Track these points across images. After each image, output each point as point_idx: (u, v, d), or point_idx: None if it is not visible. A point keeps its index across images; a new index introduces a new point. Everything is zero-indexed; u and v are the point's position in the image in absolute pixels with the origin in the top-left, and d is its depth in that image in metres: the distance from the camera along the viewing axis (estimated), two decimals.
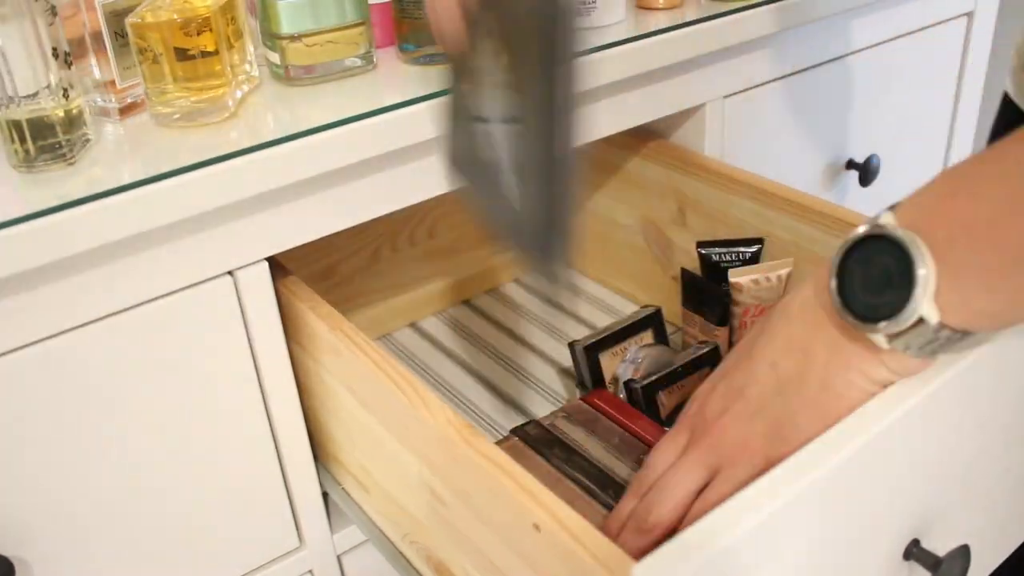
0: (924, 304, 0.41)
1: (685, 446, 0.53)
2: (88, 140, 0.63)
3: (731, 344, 0.82)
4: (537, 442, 0.67)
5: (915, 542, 0.51)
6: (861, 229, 0.43)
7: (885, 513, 0.49)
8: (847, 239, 0.44)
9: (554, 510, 0.46)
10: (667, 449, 0.54)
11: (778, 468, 0.44)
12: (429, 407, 0.55)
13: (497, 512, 0.50)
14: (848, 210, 0.76)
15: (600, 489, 0.62)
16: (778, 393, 0.48)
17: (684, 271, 0.83)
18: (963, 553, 0.51)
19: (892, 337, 0.43)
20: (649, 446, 0.66)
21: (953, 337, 0.42)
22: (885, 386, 0.46)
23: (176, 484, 0.68)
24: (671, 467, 0.52)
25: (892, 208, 0.43)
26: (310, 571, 0.78)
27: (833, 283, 0.44)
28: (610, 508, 0.60)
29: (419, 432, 0.56)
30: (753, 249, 0.79)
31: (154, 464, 0.67)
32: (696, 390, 0.55)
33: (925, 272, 0.41)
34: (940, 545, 0.52)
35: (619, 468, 0.63)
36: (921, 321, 0.41)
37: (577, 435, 0.67)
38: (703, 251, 0.81)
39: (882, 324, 0.42)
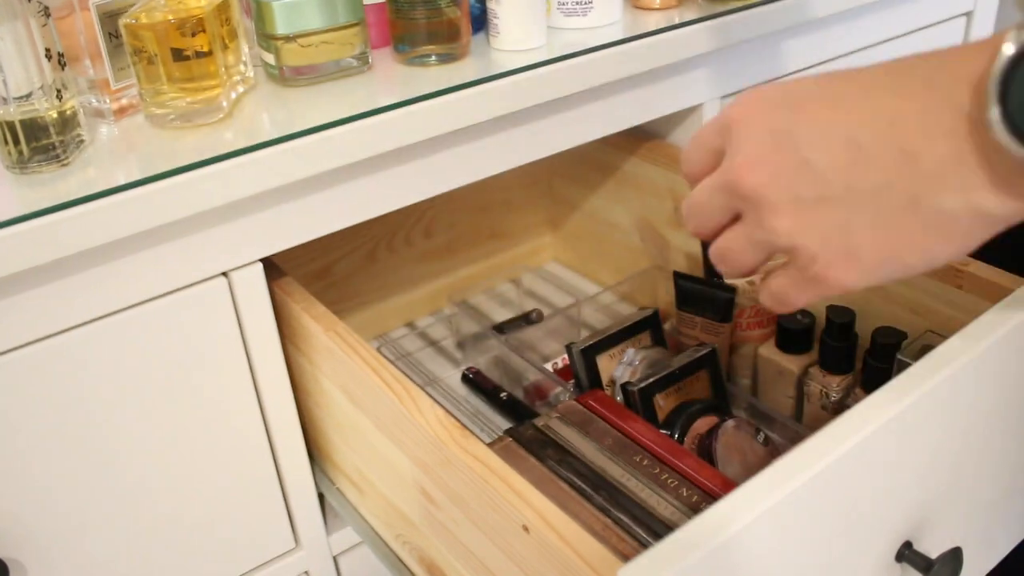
0: None
1: (719, 187, 0.42)
2: (82, 141, 0.63)
3: (731, 345, 0.82)
4: (531, 443, 0.67)
5: (907, 544, 0.51)
6: (1013, 45, 0.33)
7: (877, 515, 0.49)
8: (1004, 56, 0.34)
9: (543, 512, 0.46)
10: (703, 191, 0.43)
11: (770, 469, 0.44)
12: (420, 408, 0.55)
13: (487, 513, 0.50)
14: None
15: (593, 490, 0.62)
16: (851, 188, 0.38)
17: (677, 274, 0.83)
18: (955, 555, 0.50)
19: None
20: (643, 447, 0.66)
21: None
22: (993, 229, 0.37)
23: (172, 485, 0.68)
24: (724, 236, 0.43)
25: None
26: (306, 572, 0.79)
27: (995, 110, 0.34)
28: (603, 509, 0.60)
29: (411, 433, 0.56)
30: None
31: (149, 465, 0.67)
32: (737, 102, 0.43)
33: None
34: (932, 547, 0.52)
35: (612, 469, 0.63)
36: None
37: (571, 436, 0.67)
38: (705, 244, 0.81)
39: None
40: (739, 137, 0.41)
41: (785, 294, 0.43)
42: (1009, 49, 0.34)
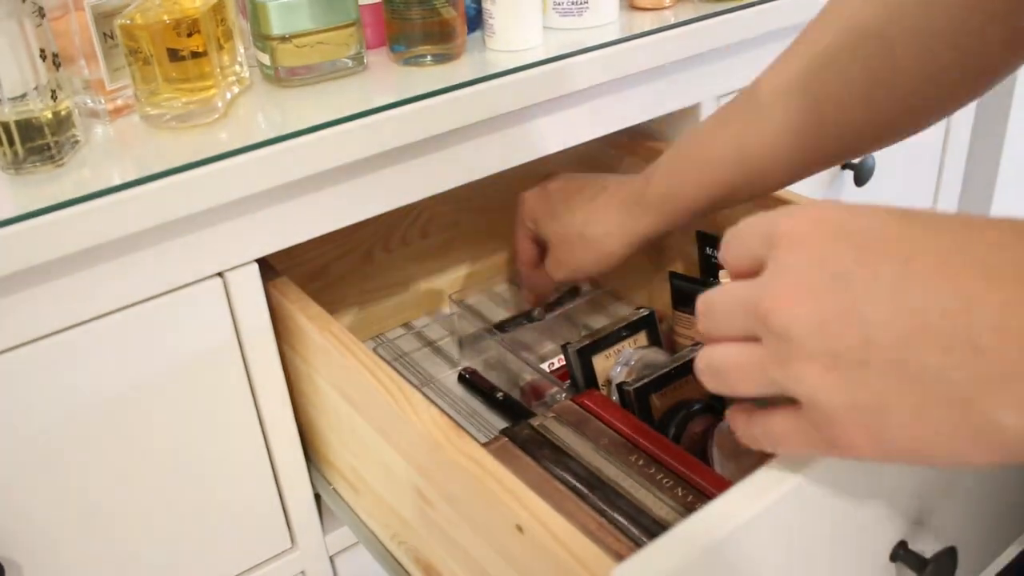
0: None
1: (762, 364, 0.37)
2: (77, 142, 0.63)
3: None
4: (526, 443, 0.67)
5: (902, 544, 0.51)
6: None
7: (872, 515, 0.49)
8: None
9: (537, 512, 0.46)
10: (741, 363, 0.39)
11: (763, 469, 0.44)
12: (415, 408, 0.55)
13: (481, 513, 0.50)
14: None
15: (589, 490, 0.62)
16: (902, 364, 0.33)
17: (673, 274, 0.83)
18: (950, 555, 0.50)
19: None
20: (639, 447, 0.66)
21: None
22: None
23: (167, 485, 0.68)
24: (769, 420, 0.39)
25: None
26: (302, 572, 0.79)
27: None
28: (599, 509, 0.60)
29: (405, 433, 0.56)
30: None
31: (145, 465, 0.67)
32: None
33: None
34: (927, 547, 0.51)
35: (608, 469, 0.63)
36: None
37: (566, 436, 0.67)
38: (702, 244, 0.82)
39: None
40: (787, 258, 0.36)
41: (784, 440, 0.39)
42: None
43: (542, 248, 0.82)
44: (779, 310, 0.35)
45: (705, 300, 0.41)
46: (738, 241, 0.40)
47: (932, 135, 1.19)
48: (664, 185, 0.70)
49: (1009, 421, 0.31)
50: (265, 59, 0.72)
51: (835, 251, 0.35)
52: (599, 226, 0.74)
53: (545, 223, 0.80)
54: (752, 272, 0.38)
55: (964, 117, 1.21)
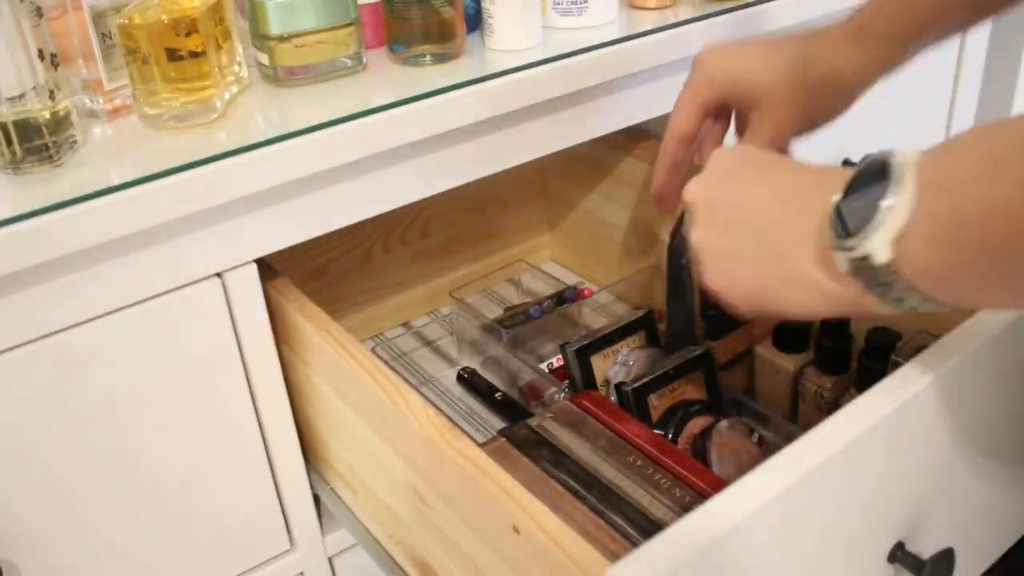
0: (878, 238, 0.39)
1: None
2: (75, 142, 0.63)
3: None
4: (524, 443, 0.67)
5: (900, 545, 0.51)
6: (878, 154, 0.42)
7: (869, 515, 0.49)
8: (866, 160, 0.42)
9: (533, 512, 0.46)
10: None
11: (758, 469, 0.44)
12: (412, 408, 0.55)
13: (477, 513, 0.50)
14: None
15: (586, 490, 0.62)
16: (751, 225, 0.48)
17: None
18: (947, 556, 0.50)
19: (852, 262, 0.41)
20: (636, 448, 0.66)
21: (901, 288, 0.41)
22: (836, 306, 0.45)
23: (166, 486, 0.68)
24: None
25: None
26: (301, 573, 0.78)
27: (837, 196, 0.42)
28: (596, 510, 0.60)
29: (402, 433, 0.56)
30: None
31: (143, 466, 0.67)
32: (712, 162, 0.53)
33: (892, 203, 0.39)
34: (924, 548, 0.51)
35: (605, 469, 0.63)
36: (867, 258, 0.40)
37: (564, 436, 0.67)
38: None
39: (847, 241, 0.41)
40: (707, 168, 0.52)
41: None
42: (837, 196, 0.42)
43: (719, 117, 0.70)
44: (688, 192, 0.52)
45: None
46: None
47: (933, 132, 1.18)
48: (894, 6, 0.63)
49: (803, 270, 0.44)
50: (264, 59, 0.72)
51: (730, 161, 0.52)
52: (826, 63, 0.63)
53: (745, 76, 0.65)
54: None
55: (965, 115, 1.20)
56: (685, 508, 0.59)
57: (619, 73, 0.78)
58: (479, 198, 1.02)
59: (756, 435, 0.69)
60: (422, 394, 0.88)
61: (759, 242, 0.47)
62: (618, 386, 0.74)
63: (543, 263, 1.11)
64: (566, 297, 0.96)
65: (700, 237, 0.50)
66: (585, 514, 0.60)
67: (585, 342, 0.79)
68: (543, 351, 0.92)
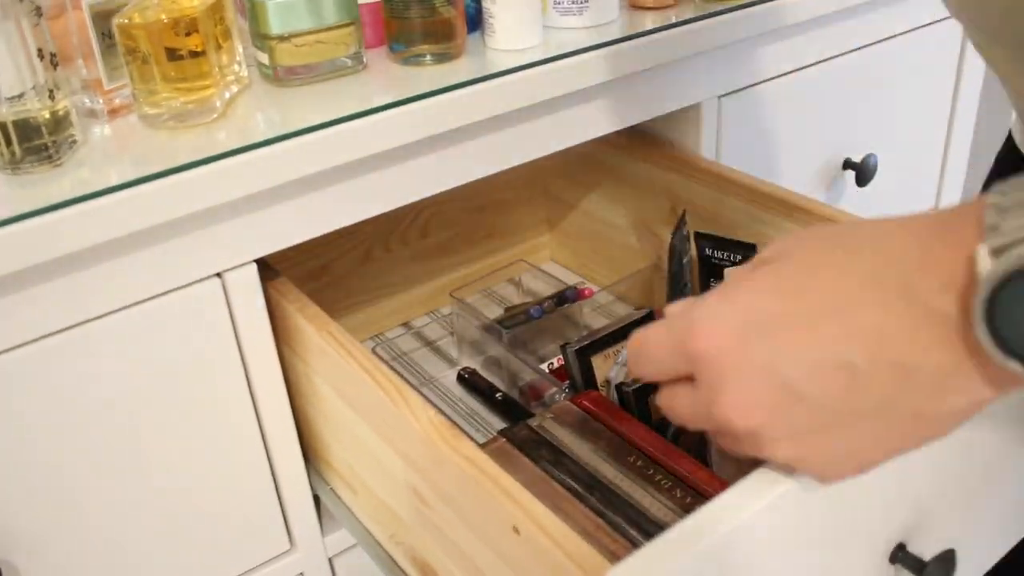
0: None
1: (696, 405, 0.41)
2: (75, 142, 0.63)
3: None
4: (524, 443, 0.67)
5: (901, 546, 0.51)
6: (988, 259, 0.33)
7: (870, 516, 0.49)
8: (995, 272, 0.33)
9: (533, 512, 0.46)
10: (675, 395, 0.42)
11: (759, 470, 0.44)
12: (412, 408, 0.55)
13: (478, 514, 0.50)
14: (843, 211, 0.75)
15: (587, 491, 0.61)
16: (853, 412, 0.37)
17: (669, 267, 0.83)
18: (948, 557, 0.50)
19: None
20: (637, 448, 0.66)
21: None
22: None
23: (166, 486, 0.68)
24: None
25: None
26: (301, 573, 0.78)
27: (983, 328, 0.33)
28: (596, 510, 0.60)
29: (403, 433, 0.56)
30: (740, 256, 0.79)
31: (143, 466, 0.67)
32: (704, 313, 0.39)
33: None
34: (926, 549, 0.51)
35: (606, 470, 0.63)
36: None
37: (565, 437, 0.67)
38: (702, 244, 0.81)
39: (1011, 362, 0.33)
40: (719, 376, 0.39)
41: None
42: (985, 265, 0.33)
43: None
44: (734, 421, 0.39)
45: (634, 350, 0.43)
46: (648, 361, 0.42)
47: (934, 133, 1.18)
48: None
49: (957, 405, 0.37)
50: (264, 58, 0.72)
51: (751, 349, 0.38)
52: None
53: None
54: (677, 377, 0.41)
55: (966, 115, 1.20)
56: (686, 509, 0.59)
57: (619, 73, 0.78)
58: (479, 198, 1.02)
59: None
60: (422, 394, 0.88)
61: (878, 412, 0.37)
62: (619, 386, 0.74)
63: (543, 263, 1.11)
64: (566, 297, 0.96)
65: (790, 459, 0.40)
66: (585, 514, 0.60)
67: (586, 342, 0.78)
68: (543, 351, 0.92)
